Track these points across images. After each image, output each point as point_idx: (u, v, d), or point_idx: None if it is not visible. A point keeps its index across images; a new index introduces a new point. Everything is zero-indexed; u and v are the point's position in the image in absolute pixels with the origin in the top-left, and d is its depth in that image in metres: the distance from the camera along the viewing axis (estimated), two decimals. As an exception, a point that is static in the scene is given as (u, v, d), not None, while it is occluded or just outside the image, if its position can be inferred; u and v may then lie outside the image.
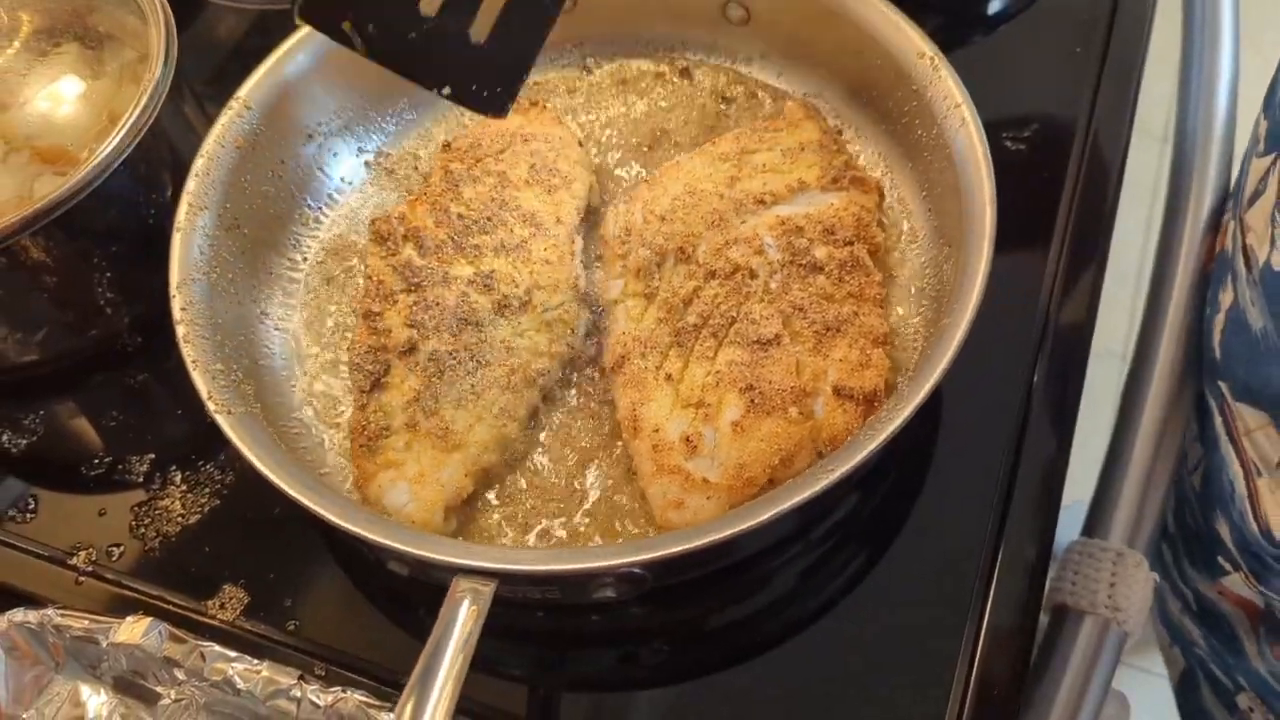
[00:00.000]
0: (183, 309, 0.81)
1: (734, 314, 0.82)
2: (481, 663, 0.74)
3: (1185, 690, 1.18)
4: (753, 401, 0.77)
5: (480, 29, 0.70)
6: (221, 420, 0.75)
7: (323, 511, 0.71)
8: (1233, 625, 1.05)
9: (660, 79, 1.03)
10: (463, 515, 0.82)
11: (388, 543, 0.69)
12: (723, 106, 1.00)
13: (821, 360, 0.79)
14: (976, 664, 0.78)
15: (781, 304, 0.82)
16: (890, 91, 0.90)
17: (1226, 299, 0.92)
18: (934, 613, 0.80)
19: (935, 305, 0.84)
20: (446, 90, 0.71)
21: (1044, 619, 0.88)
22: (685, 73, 1.02)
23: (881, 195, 0.90)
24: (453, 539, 0.78)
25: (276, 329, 0.90)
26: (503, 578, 0.68)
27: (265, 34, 1.18)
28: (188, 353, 0.79)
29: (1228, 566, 0.99)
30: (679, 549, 0.68)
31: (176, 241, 0.84)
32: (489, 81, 0.71)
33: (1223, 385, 0.92)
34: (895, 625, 0.80)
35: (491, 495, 0.83)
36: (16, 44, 0.94)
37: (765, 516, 0.68)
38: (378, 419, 0.81)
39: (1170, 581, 1.14)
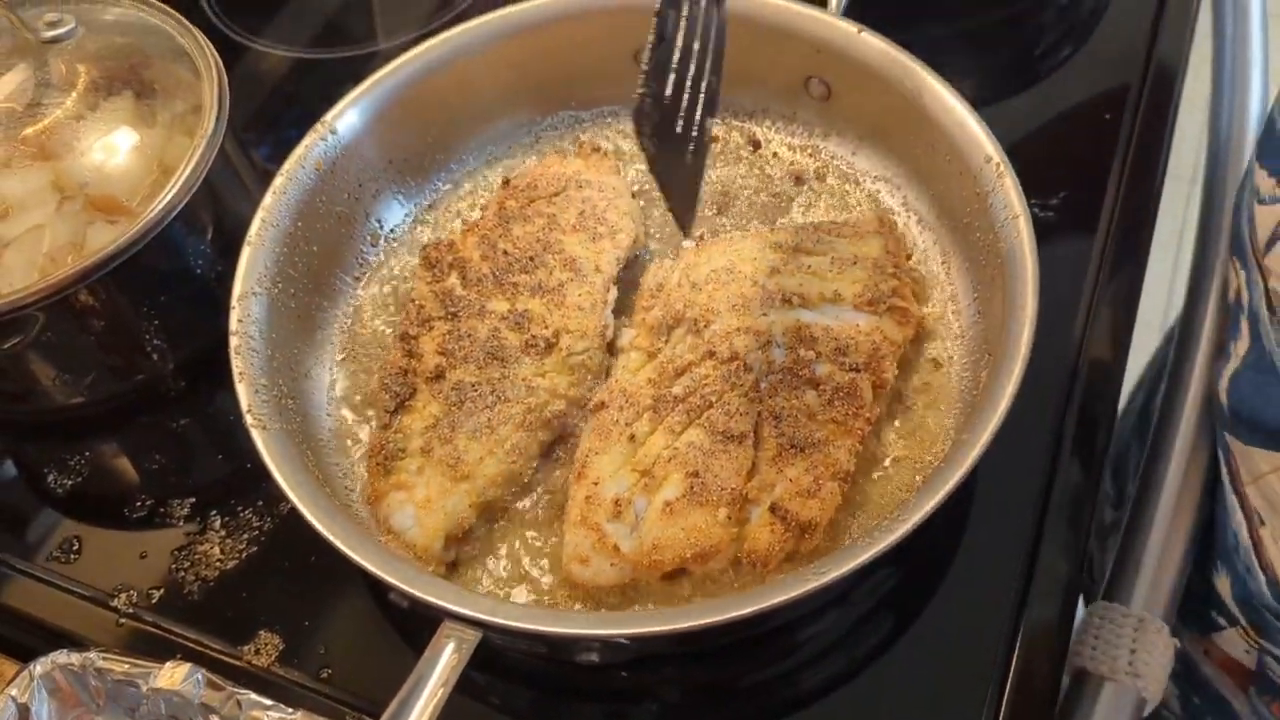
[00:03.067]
0: (239, 321, 0.84)
1: (714, 399, 0.83)
2: (478, 694, 0.78)
3: None
4: (692, 488, 0.78)
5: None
6: (256, 434, 0.78)
7: (331, 536, 0.73)
8: (1217, 687, 1.04)
9: (733, 145, 1.05)
10: (463, 545, 0.84)
11: (385, 577, 0.72)
12: (792, 183, 1.02)
13: (775, 473, 0.79)
14: (999, 726, 0.79)
15: (762, 406, 0.82)
16: (956, 189, 0.91)
17: (1242, 347, 0.93)
18: (957, 675, 0.81)
19: (969, 412, 0.83)
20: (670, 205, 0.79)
21: (1065, 682, 0.89)
22: (755, 144, 1.04)
23: (920, 331, 0.90)
24: (448, 583, 0.79)
25: (330, 344, 0.94)
26: (488, 628, 0.71)
27: (305, 78, 1.22)
28: (236, 365, 0.82)
29: (1222, 621, 0.99)
30: (663, 628, 0.70)
31: (245, 255, 0.87)
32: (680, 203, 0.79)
33: (1229, 437, 0.92)
34: (918, 687, 0.81)
35: (493, 527, 0.85)
36: (74, 95, 0.97)
37: (746, 610, 0.69)
38: (396, 440, 0.84)
39: None
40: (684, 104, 0.74)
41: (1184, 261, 1.08)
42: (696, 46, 0.75)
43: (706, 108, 0.75)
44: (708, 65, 0.75)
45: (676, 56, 0.74)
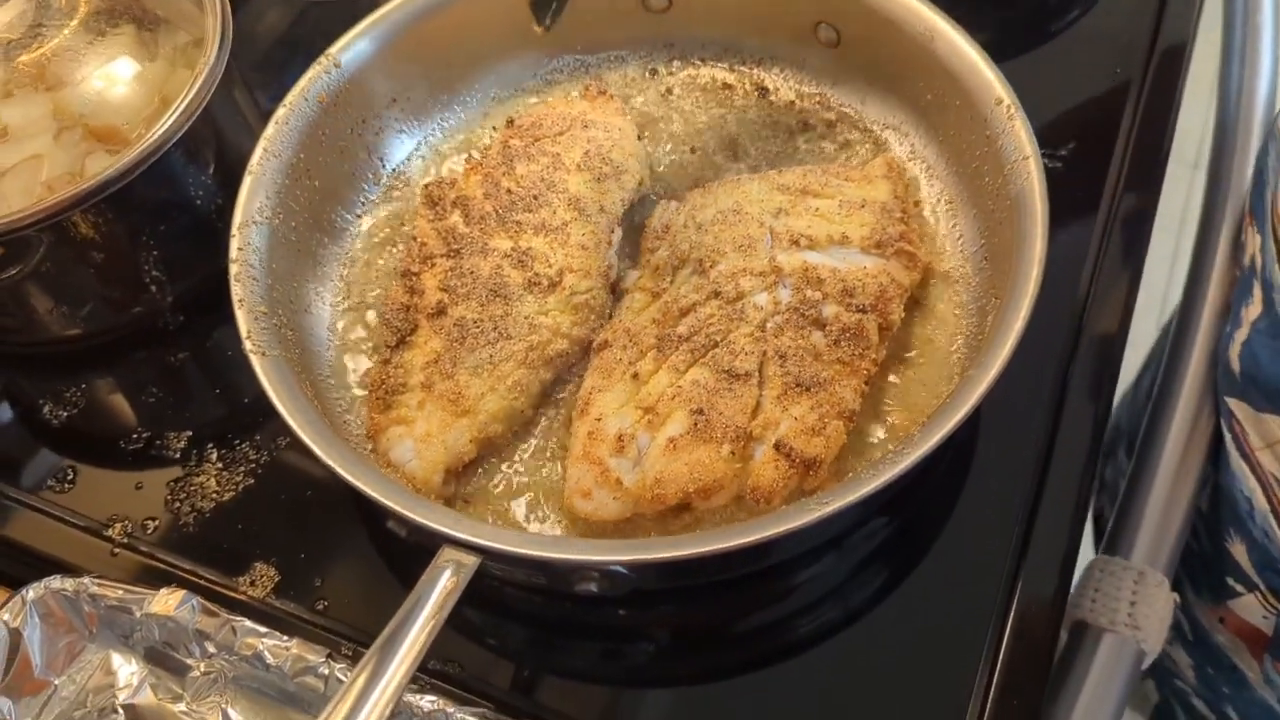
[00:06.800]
0: (239, 249, 0.83)
1: (719, 338, 0.82)
2: (474, 632, 0.76)
3: None
4: (696, 425, 0.77)
5: None
6: (254, 360, 0.77)
7: (328, 459, 0.72)
8: (1229, 655, 1.04)
9: (741, 92, 1.04)
10: (462, 481, 0.83)
11: (383, 501, 0.71)
12: (800, 131, 1.00)
13: (779, 412, 0.78)
14: (996, 677, 0.78)
15: (767, 345, 0.81)
16: (965, 134, 0.90)
17: (1253, 312, 0.92)
18: (955, 624, 0.80)
19: (975, 352, 0.82)
20: None
21: (1063, 635, 0.88)
22: (763, 91, 1.03)
23: (926, 276, 0.89)
24: (447, 508, 0.79)
25: (330, 280, 0.93)
26: (487, 554, 0.70)
27: (313, 24, 1.20)
28: (235, 291, 0.81)
29: (1239, 588, 0.99)
30: (663, 555, 0.68)
31: (246, 184, 0.86)
32: None
33: (1232, 403, 0.91)
34: (914, 636, 0.80)
35: (492, 465, 0.84)
36: (74, 23, 0.95)
37: (747, 539, 0.67)
38: (397, 375, 0.84)
39: None
40: None
41: (1185, 247, 1.07)
42: None
43: None
44: None
45: None
